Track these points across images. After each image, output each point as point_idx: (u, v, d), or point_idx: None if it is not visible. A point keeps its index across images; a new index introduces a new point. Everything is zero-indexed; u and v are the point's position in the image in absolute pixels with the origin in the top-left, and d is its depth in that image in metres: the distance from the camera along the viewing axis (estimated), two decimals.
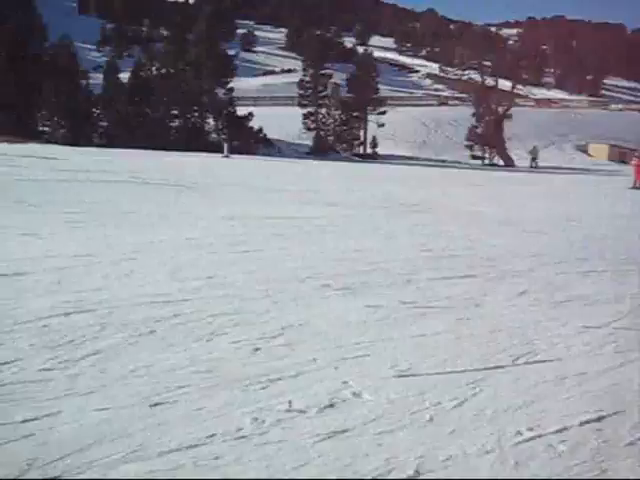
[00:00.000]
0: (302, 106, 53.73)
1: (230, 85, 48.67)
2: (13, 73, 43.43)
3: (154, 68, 47.04)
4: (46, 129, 45.80)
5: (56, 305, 5.67)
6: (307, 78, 53.79)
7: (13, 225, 10.04)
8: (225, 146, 36.05)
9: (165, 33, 65.12)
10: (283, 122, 51.47)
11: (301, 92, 54.04)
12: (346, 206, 15.17)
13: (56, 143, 41.80)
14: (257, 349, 4.68)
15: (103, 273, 6.89)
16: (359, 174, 30.38)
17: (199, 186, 19.43)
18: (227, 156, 35.01)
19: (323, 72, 53.01)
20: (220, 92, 47.65)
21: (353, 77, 55.76)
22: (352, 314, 5.59)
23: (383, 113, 55.16)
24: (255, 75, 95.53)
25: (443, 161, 52.73)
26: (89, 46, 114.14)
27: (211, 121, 47.87)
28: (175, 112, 46.34)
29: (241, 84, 78.24)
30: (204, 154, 36.20)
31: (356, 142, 55.34)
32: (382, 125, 53.92)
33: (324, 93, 54.20)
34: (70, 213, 11.62)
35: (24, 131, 43.93)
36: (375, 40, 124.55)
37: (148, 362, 4.36)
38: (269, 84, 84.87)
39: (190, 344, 4.76)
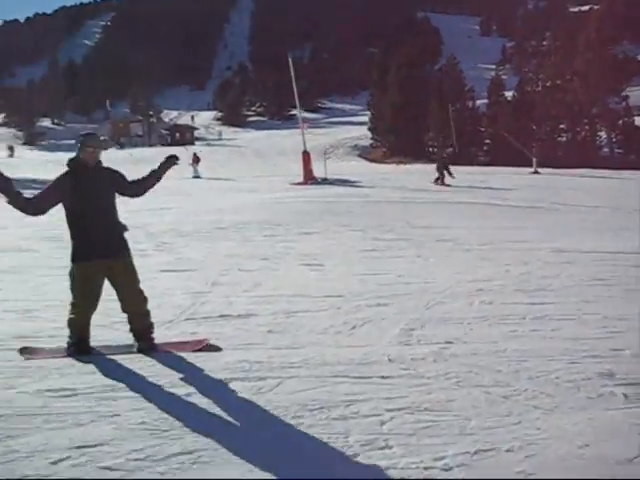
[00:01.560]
0: None
1: (625, 92, 43.61)
2: (404, 95, 45.34)
3: (539, 82, 44.75)
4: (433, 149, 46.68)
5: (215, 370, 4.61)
6: None
7: (300, 252, 9.50)
8: (534, 161, 32.07)
9: None
10: None
11: None
12: None
13: None
14: None
15: (325, 325, 5.66)
16: None
17: (550, 208, 17.18)
18: (536, 172, 31.20)
19: None
20: (613, 101, 43.04)
21: None
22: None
23: None
24: None
25: None
26: (490, 66, 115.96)
27: (603, 134, 43.46)
28: (563, 126, 43.27)
29: None
30: (512, 169, 33.59)
31: None
32: None
33: None
34: (380, 240, 10.73)
35: (414, 152, 45.61)
36: None
37: None
38: None
39: None
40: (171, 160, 5.28)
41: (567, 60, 43.67)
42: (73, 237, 4.93)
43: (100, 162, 5.00)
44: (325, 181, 27.22)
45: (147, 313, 5.12)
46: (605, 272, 7.58)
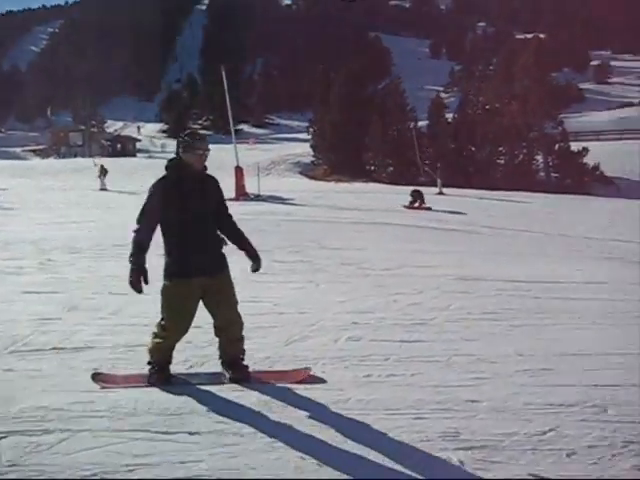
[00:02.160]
0: None
1: (563, 117, 44.19)
2: (346, 113, 45.11)
3: (479, 104, 45.05)
4: (374, 168, 46.49)
5: None
6: None
7: None
8: (438, 182, 31.52)
9: None
10: (628, 158, 45.11)
11: None
12: None
13: (380, 182, 42.12)
14: None
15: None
16: None
17: (476, 231, 16.89)
18: (440, 192, 30.66)
19: None
20: (550, 126, 43.49)
21: None
22: None
23: None
24: (609, 108, 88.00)
25: None
26: (438, 88, 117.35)
27: (540, 158, 43.89)
28: (501, 149, 43.54)
29: (592, 118, 72.18)
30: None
31: None
32: None
33: None
34: (281, 262, 10.03)
35: (354, 170, 45.30)
36: None
37: None
38: (626, 117, 76.60)
39: None
40: (255, 265, 4.64)
41: (506, 84, 44.11)
42: (170, 251, 4.33)
43: (206, 167, 4.39)
44: (257, 197, 26.63)
45: (242, 339, 4.60)
46: (499, 304, 7.06)
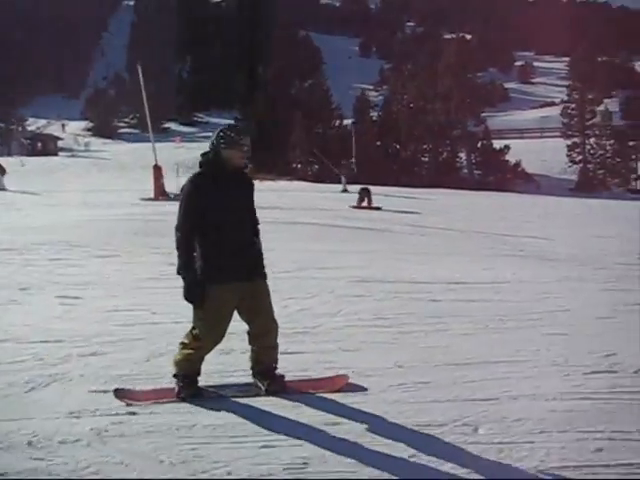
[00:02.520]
0: (567, 137, 47.38)
1: (483, 116, 44.85)
2: (270, 111, 44.63)
3: (404, 102, 45.32)
4: (299, 166, 46.17)
5: None
6: (572, 105, 47.56)
7: (73, 280, 8.15)
8: (342, 179, 30.99)
9: None
10: (548, 155, 46.19)
11: (565, 121, 47.75)
12: (574, 263, 11.17)
13: (306, 180, 41.87)
14: None
15: (1, 385, 4.37)
16: (622, 216, 24.26)
17: (392, 230, 16.67)
18: (345, 190, 30.22)
19: (591, 97, 46.20)
20: (473, 124, 44.09)
21: (630, 101, 48.02)
22: None
23: None
24: (532, 107, 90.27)
25: None
26: (368, 86, 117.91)
27: (463, 156, 44.45)
28: (425, 147, 43.88)
29: (516, 117, 73.85)
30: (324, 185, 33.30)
31: (632, 176, 47.07)
32: None
33: (592, 121, 46.99)
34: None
35: (279, 168, 44.89)
36: None
37: None
38: (547, 116, 78.61)
39: None
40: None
41: (431, 83, 44.46)
42: (205, 254, 4.01)
43: (247, 165, 4.13)
44: (177, 197, 25.78)
45: (277, 346, 4.33)
46: (394, 308, 6.72)
